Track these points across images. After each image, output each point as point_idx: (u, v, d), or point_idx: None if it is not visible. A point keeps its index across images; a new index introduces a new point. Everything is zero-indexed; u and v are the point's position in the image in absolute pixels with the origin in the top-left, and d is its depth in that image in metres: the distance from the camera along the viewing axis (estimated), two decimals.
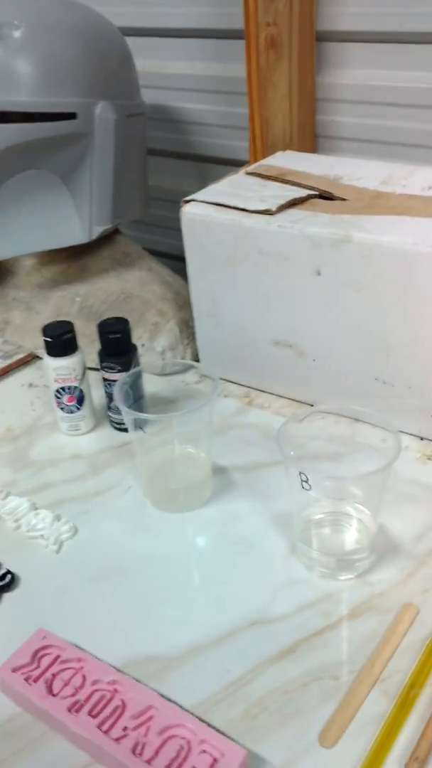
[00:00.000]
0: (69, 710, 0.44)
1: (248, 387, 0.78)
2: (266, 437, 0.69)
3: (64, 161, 0.81)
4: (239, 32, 0.87)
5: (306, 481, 0.50)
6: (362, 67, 0.86)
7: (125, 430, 0.70)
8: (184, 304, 0.86)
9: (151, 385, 0.69)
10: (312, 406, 0.70)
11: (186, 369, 0.79)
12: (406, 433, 0.68)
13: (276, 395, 0.76)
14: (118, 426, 0.71)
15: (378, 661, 0.47)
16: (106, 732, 0.43)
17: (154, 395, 0.69)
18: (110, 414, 0.71)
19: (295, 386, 0.75)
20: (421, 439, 0.69)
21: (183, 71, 0.98)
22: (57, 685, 0.45)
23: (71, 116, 0.78)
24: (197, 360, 0.80)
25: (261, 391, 0.77)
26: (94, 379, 0.71)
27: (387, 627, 0.50)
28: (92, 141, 0.80)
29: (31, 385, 0.80)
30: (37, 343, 0.85)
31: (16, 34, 0.75)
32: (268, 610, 0.52)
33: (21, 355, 0.84)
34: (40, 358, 0.84)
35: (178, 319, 0.84)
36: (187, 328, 0.84)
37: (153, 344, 0.81)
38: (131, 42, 0.86)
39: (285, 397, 0.76)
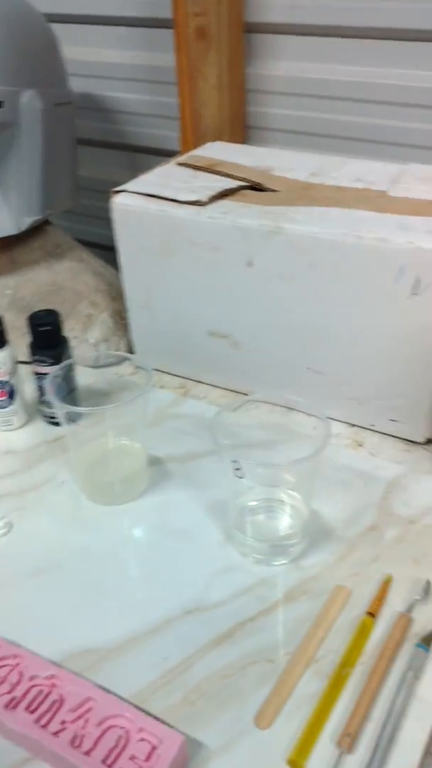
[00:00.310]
0: (5, 707, 0.44)
1: (184, 378, 0.78)
2: (202, 427, 0.70)
3: None
4: (169, 21, 0.86)
5: (239, 469, 0.51)
6: (292, 59, 0.87)
7: (58, 423, 0.69)
8: (116, 296, 0.85)
9: (84, 377, 0.68)
10: (247, 395, 0.71)
11: (120, 361, 0.79)
12: (337, 421, 0.70)
13: (211, 385, 0.77)
14: (50, 420, 0.70)
15: (311, 642, 0.49)
16: (44, 726, 0.42)
17: (87, 388, 0.69)
18: (42, 408, 0.70)
19: (230, 376, 0.75)
20: (351, 425, 0.71)
21: (112, 60, 0.97)
22: None
23: None
24: (131, 351, 0.80)
25: (197, 381, 0.78)
26: (26, 373, 0.70)
27: (320, 609, 0.51)
28: (19, 130, 0.78)
29: None
30: None
31: None
32: (204, 597, 0.52)
33: None
34: None
35: (111, 311, 0.83)
36: (121, 319, 0.83)
37: (86, 336, 0.81)
38: (58, 29, 0.84)
39: (220, 387, 0.77)
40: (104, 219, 1.05)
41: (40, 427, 0.70)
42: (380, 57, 0.80)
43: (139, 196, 0.71)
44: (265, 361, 0.72)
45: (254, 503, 0.57)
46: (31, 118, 0.78)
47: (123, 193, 0.72)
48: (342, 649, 0.48)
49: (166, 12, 0.85)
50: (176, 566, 0.55)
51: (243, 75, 0.88)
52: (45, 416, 0.70)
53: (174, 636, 0.50)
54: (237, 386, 0.76)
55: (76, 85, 0.91)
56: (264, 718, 0.45)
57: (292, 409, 0.69)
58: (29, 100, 0.77)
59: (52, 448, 0.68)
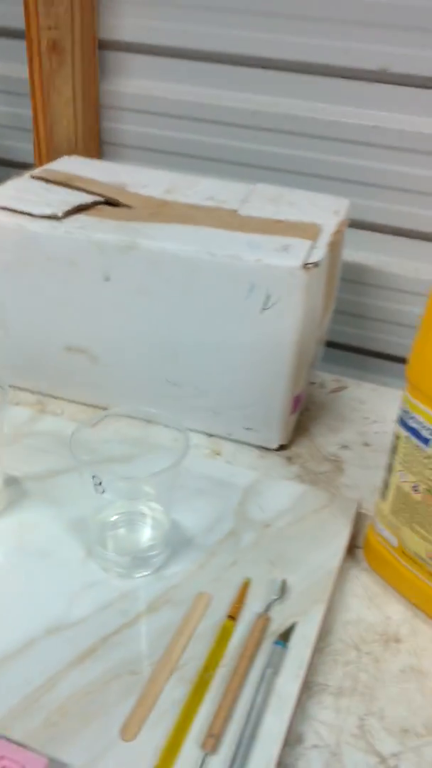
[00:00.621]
0: None
1: (40, 393, 0.77)
2: (60, 444, 0.68)
3: None
4: (20, 32, 0.86)
5: (99, 485, 0.51)
6: (144, 78, 0.88)
7: None
8: None
9: None
10: (106, 409, 0.71)
11: None
12: (196, 431, 0.72)
13: (69, 401, 0.77)
14: None
15: (174, 650, 0.50)
16: None
17: None
18: None
19: (89, 391, 0.75)
20: (209, 435, 0.73)
21: None
22: None
23: None
24: None
25: (54, 397, 0.77)
26: None
27: (182, 617, 0.52)
28: None
29: None
30: None
31: None
32: (66, 616, 0.52)
33: None
34: None
35: None
36: None
37: None
38: None
39: (79, 402, 0.76)
40: None
41: None
42: (231, 80, 0.84)
43: None
44: (123, 374, 0.72)
45: (115, 517, 0.58)
46: None
47: None
48: (204, 654, 0.50)
49: (19, 22, 0.84)
50: (37, 586, 0.54)
51: (97, 91, 0.89)
52: None
53: (35, 657, 0.49)
54: (96, 401, 0.76)
55: None
56: (129, 730, 0.45)
57: (151, 422, 0.70)
58: None
59: None
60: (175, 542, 0.58)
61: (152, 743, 0.44)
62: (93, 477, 0.51)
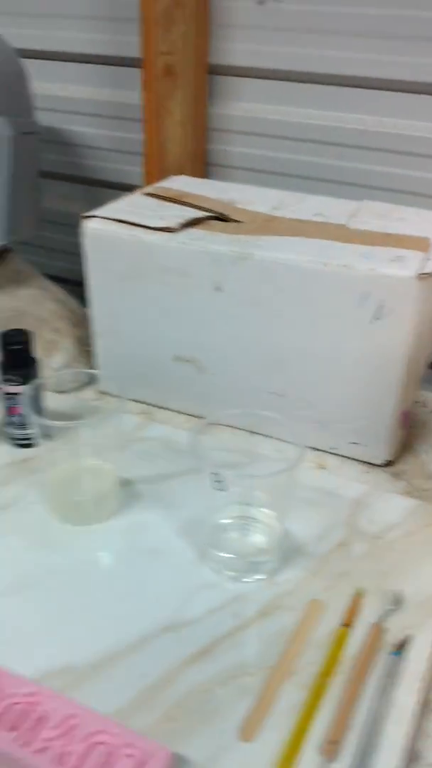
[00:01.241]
0: None
1: (146, 404, 0.79)
2: (168, 450, 0.70)
3: None
4: (133, 60, 0.90)
5: (219, 482, 0.51)
6: (252, 101, 0.91)
7: (26, 445, 0.69)
8: (78, 323, 0.86)
9: (48, 402, 0.68)
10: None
11: (83, 386, 0.79)
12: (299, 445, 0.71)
13: (174, 411, 0.78)
14: (16, 442, 0.69)
15: (290, 655, 0.49)
16: (26, 745, 0.41)
17: (51, 411, 0.68)
18: (9, 430, 0.69)
19: (194, 401, 0.76)
20: (314, 449, 0.72)
21: (76, 95, 0.99)
22: None
23: None
24: (93, 380, 0.80)
25: (159, 407, 0.78)
26: None
27: (296, 623, 0.52)
28: None
29: None
30: None
31: None
32: (179, 615, 0.52)
33: None
34: None
35: (73, 338, 0.83)
36: (83, 346, 0.83)
37: (49, 362, 0.80)
38: (27, 64, 0.86)
39: (183, 413, 0.77)
40: (61, 252, 1.06)
41: (5, 449, 0.69)
42: (338, 101, 0.85)
43: (109, 221, 0.72)
44: (229, 385, 0.73)
45: (229, 521, 0.58)
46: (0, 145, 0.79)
47: (94, 219, 0.73)
48: (320, 661, 0.49)
49: (132, 51, 0.88)
50: (150, 585, 0.55)
51: (205, 114, 0.92)
52: (11, 438, 0.69)
53: (151, 653, 0.49)
54: (199, 411, 0.77)
55: (41, 118, 0.93)
56: (248, 731, 0.44)
57: (254, 433, 0.70)
58: None
59: (19, 470, 0.67)
60: (286, 549, 0.58)
61: (271, 745, 0.44)
62: (213, 474, 0.51)
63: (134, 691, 0.47)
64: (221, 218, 0.74)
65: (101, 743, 0.42)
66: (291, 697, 0.47)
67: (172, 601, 0.53)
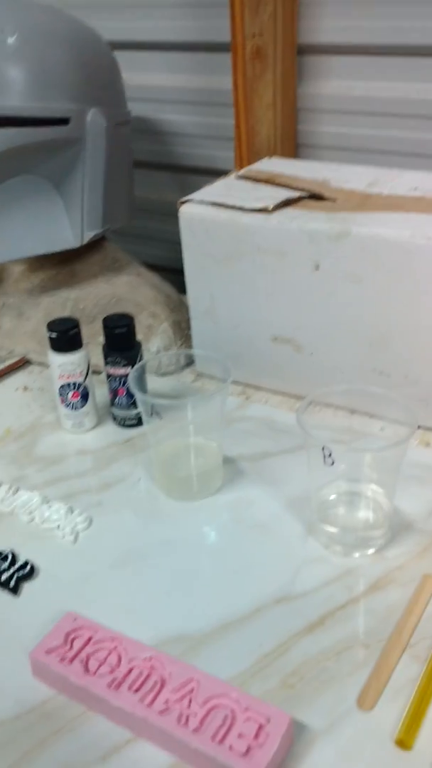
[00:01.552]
0: (109, 687, 0.44)
1: (244, 384, 0.79)
2: (269, 429, 0.70)
3: (55, 167, 0.81)
4: (221, 45, 0.90)
5: (329, 456, 0.51)
6: (341, 78, 0.89)
7: (130, 425, 0.71)
8: (175, 307, 0.87)
9: (149, 385, 0.69)
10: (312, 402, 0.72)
11: (181, 369, 0.81)
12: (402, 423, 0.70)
13: (272, 391, 0.78)
14: (121, 423, 0.71)
15: (405, 628, 0.49)
16: (149, 705, 0.42)
17: (153, 393, 0.70)
18: (114, 410, 0.71)
19: (292, 381, 0.76)
20: (418, 427, 0.71)
21: (165, 83, 1.00)
22: (93, 665, 0.45)
23: (64, 122, 0.79)
24: (192, 360, 0.81)
25: (257, 388, 0.79)
26: (96, 380, 0.72)
27: (409, 597, 0.51)
28: (84, 147, 0.81)
29: (25, 388, 0.80)
30: (28, 347, 0.85)
31: (10, 40, 0.76)
32: (291, 587, 0.53)
33: (13, 360, 0.84)
34: (33, 363, 0.84)
35: (171, 321, 0.85)
36: (180, 330, 0.85)
37: (147, 346, 0.82)
38: (118, 55, 0.88)
39: (281, 393, 0.77)
40: (155, 240, 1.08)
41: (110, 429, 0.71)
42: (427, 73, 0.83)
43: (205, 204, 0.73)
44: (329, 364, 0.73)
45: (336, 496, 0.58)
46: (95, 135, 0.81)
47: (189, 203, 0.74)
48: None
49: (220, 36, 0.88)
50: (259, 558, 0.55)
51: (295, 94, 0.91)
52: (116, 419, 0.71)
53: (265, 623, 0.50)
54: (298, 391, 0.76)
55: (133, 108, 0.94)
56: (366, 700, 0.44)
57: (355, 411, 0.69)
58: (94, 118, 0.80)
59: (124, 449, 0.68)
60: (395, 526, 0.57)
61: (391, 715, 0.43)
62: (323, 448, 0.51)
63: (250, 659, 0.47)
64: (316, 197, 0.74)
65: (221, 706, 0.42)
66: (409, 669, 0.46)
67: (283, 574, 0.54)
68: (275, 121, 0.90)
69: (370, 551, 0.55)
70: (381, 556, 0.55)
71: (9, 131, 0.76)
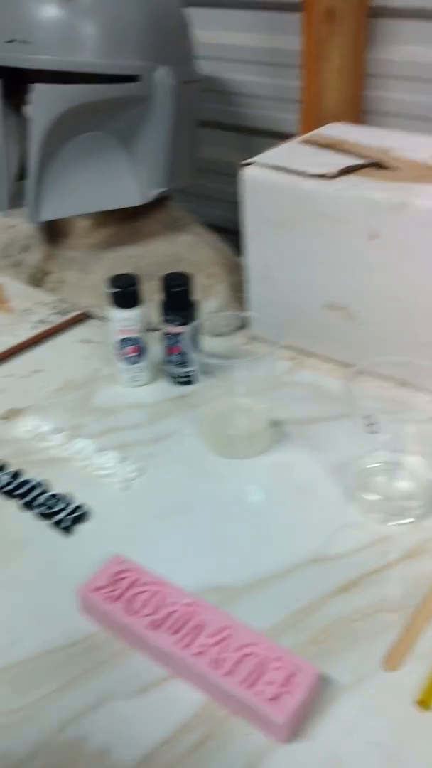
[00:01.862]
0: (149, 627, 0.47)
1: (295, 349, 0.80)
2: (317, 395, 0.72)
3: (123, 124, 0.83)
4: (292, 4, 0.89)
5: (372, 425, 0.52)
6: (412, 44, 0.87)
7: (183, 383, 0.73)
8: (232, 269, 0.88)
9: (203, 344, 0.71)
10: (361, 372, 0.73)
11: (235, 330, 0.82)
12: None
13: (323, 359, 0.79)
14: (176, 380, 0.73)
15: None
16: (185, 647, 0.45)
17: (207, 353, 0.72)
18: (169, 368, 0.73)
19: (343, 350, 0.77)
20: None
21: (234, 42, 0.99)
22: (136, 605, 0.48)
23: (133, 79, 0.80)
24: (246, 323, 0.83)
25: (307, 353, 0.80)
26: (152, 337, 0.74)
27: None
28: (151, 104, 0.82)
29: (86, 341, 0.83)
30: (90, 301, 0.88)
31: None
32: (327, 549, 0.55)
33: (76, 313, 0.86)
34: (94, 317, 0.87)
35: (228, 283, 0.86)
36: (237, 291, 0.86)
37: (204, 306, 0.84)
38: (188, 13, 0.87)
39: (332, 361, 0.78)
40: (217, 200, 1.08)
41: (164, 386, 0.74)
42: None
43: (267, 168, 0.73)
44: (380, 335, 0.73)
45: (378, 464, 0.59)
46: (163, 93, 0.82)
47: (252, 166, 0.74)
48: None
49: None
50: (298, 519, 0.58)
51: (364, 59, 0.89)
52: (170, 376, 0.74)
53: (300, 581, 0.52)
54: (349, 359, 0.77)
55: (201, 67, 0.94)
56: (392, 661, 0.46)
57: (405, 384, 0.70)
58: (163, 75, 0.81)
59: (177, 405, 0.71)
60: None
61: (415, 677, 0.45)
62: (366, 417, 0.52)
63: (284, 613, 0.50)
64: (379, 166, 0.73)
65: (253, 654, 0.45)
66: None
67: (320, 536, 0.56)
68: (341, 86, 0.89)
69: (408, 521, 0.56)
70: (418, 526, 0.56)
71: (80, 87, 0.77)
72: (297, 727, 0.43)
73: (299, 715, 0.43)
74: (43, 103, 0.77)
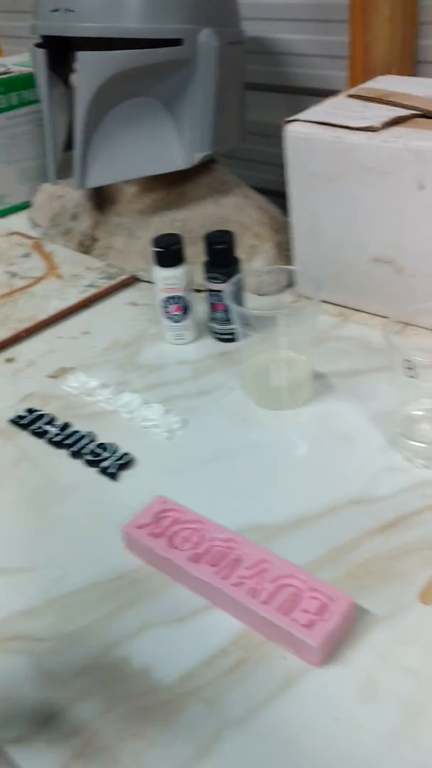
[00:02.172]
0: (190, 560, 0.49)
1: (343, 306, 0.80)
2: (363, 348, 0.72)
3: (168, 88, 0.84)
4: None
5: (411, 369, 0.52)
6: None
7: (226, 340, 0.74)
8: (279, 229, 0.88)
9: (249, 304, 0.72)
10: (407, 325, 0.72)
11: (282, 289, 0.83)
12: None
13: (370, 314, 0.78)
14: (219, 337, 0.75)
15: None
16: (224, 578, 0.47)
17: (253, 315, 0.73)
18: (212, 325, 0.75)
19: (392, 304, 0.76)
20: None
21: (277, 0, 0.99)
22: (178, 541, 0.50)
23: (177, 42, 0.80)
24: (293, 282, 0.83)
25: (355, 310, 0.79)
26: (197, 297, 0.75)
27: None
28: (196, 68, 0.83)
29: (134, 303, 0.85)
30: (137, 266, 0.90)
31: None
32: (368, 491, 0.55)
33: (123, 277, 0.89)
34: (142, 281, 0.89)
35: (274, 242, 0.86)
36: (283, 251, 0.86)
37: (250, 266, 0.84)
38: None
39: (379, 316, 0.78)
40: (264, 163, 1.08)
41: (208, 343, 0.75)
42: None
43: (311, 124, 0.73)
44: (428, 287, 0.72)
45: (421, 412, 0.59)
46: (208, 56, 0.82)
47: (295, 122, 0.74)
48: None
49: None
50: (341, 465, 0.58)
51: (417, 6, 0.87)
52: (214, 333, 0.75)
53: (340, 521, 0.53)
54: (397, 315, 0.76)
55: (246, 28, 0.94)
56: (429, 596, 0.47)
57: None
58: (207, 38, 0.81)
59: (221, 361, 0.72)
60: None
61: None
62: (405, 360, 0.52)
63: (322, 550, 0.51)
64: (428, 116, 0.72)
65: (289, 585, 0.46)
66: None
67: (362, 480, 0.56)
68: (393, 36, 0.87)
69: None
70: None
71: (124, 53, 0.79)
72: (331, 652, 0.44)
73: (333, 640, 0.44)
74: (88, 71, 0.79)
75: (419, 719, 0.40)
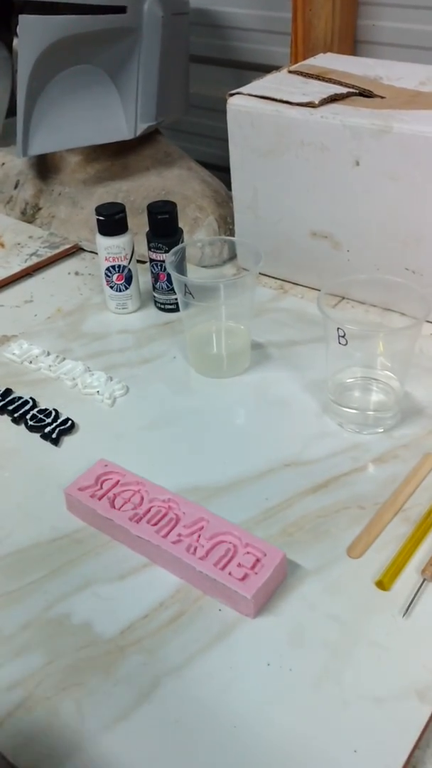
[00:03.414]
0: (130, 520, 0.50)
1: (282, 280, 0.82)
2: (300, 320, 0.74)
3: (112, 57, 0.83)
4: None
5: (343, 336, 0.55)
6: None
7: (169, 310, 0.75)
8: (222, 202, 0.90)
9: (190, 275, 0.73)
10: (343, 298, 0.75)
11: (223, 263, 0.84)
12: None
13: (308, 287, 0.81)
14: (162, 307, 0.76)
15: (401, 495, 0.53)
16: (164, 537, 0.49)
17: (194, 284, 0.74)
18: (155, 295, 0.76)
19: (329, 278, 0.79)
20: None
21: None
22: (119, 502, 0.52)
23: (121, 10, 0.80)
24: (234, 255, 0.85)
25: (294, 283, 0.82)
26: (140, 268, 0.76)
27: (409, 470, 0.55)
28: (140, 37, 0.83)
29: (77, 273, 0.85)
30: (81, 235, 0.90)
31: None
32: (302, 455, 0.58)
33: (67, 246, 0.89)
34: (85, 250, 0.89)
35: (216, 215, 0.88)
36: (225, 224, 0.88)
37: (192, 238, 0.86)
38: None
39: (317, 289, 0.80)
40: (209, 137, 1.09)
41: (151, 313, 0.76)
42: None
43: (253, 98, 0.74)
44: (363, 261, 0.75)
45: (352, 380, 0.62)
46: (152, 25, 0.82)
47: (238, 95, 0.75)
48: (428, 503, 0.53)
49: None
50: (276, 429, 0.61)
51: None
52: (157, 303, 0.76)
53: (274, 483, 0.55)
54: (330, 286, 0.79)
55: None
56: (355, 550, 0.50)
57: (388, 310, 0.72)
58: (151, 6, 0.81)
59: (163, 330, 0.74)
60: (406, 410, 0.61)
61: (375, 564, 0.49)
62: (338, 329, 0.55)
63: (256, 509, 0.53)
64: (365, 95, 0.74)
65: (225, 542, 0.49)
66: (398, 528, 0.51)
67: (296, 444, 0.59)
68: (333, 15, 0.89)
69: (380, 430, 0.59)
70: (389, 435, 0.59)
71: (67, 18, 0.78)
72: (264, 603, 0.46)
73: (266, 592, 0.46)
74: (30, 35, 0.78)
75: (342, 661, 0.43)
